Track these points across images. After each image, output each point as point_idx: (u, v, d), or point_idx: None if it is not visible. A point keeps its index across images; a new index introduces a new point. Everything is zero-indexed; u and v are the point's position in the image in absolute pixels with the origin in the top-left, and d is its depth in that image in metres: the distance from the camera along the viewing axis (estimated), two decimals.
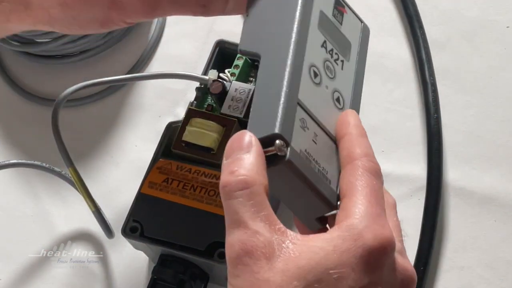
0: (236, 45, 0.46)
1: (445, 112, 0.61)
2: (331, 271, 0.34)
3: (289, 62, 0.37)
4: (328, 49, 0.39)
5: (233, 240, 0.35)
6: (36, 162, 0.59)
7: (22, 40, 0.65)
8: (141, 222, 0.51)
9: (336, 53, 0.40)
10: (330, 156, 0.39)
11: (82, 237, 0.60)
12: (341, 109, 0.40)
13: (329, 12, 0.40)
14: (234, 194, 0.36)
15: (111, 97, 0.66)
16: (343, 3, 0.42)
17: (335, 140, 0.39)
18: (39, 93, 0.66)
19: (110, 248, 0.59)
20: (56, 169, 0.58)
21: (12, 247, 0.60)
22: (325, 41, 0.39)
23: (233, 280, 0.35)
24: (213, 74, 0.55)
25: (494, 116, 0.61)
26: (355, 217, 0.36)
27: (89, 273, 0.58)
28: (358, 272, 0.34)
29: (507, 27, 0.65)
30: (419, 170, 0.59)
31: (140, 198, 0.52)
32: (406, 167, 0.60)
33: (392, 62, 0.64)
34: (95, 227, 0.55)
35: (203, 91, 0.55)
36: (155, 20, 0.68)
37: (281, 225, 0.36)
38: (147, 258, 0.56)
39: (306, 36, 0.38)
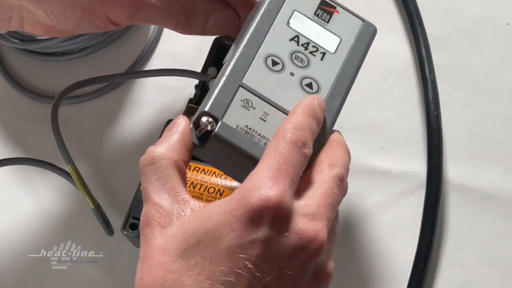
0: None
1: (445, 109, 0.61)
2: (210, 232, 0.35)
3: (236, 55, 0.43)
4: (301, 42, 0.45)
5: (141, 214, 0.38)
6: (36, 159, 0.59)
7: (22, 37, 0.65)
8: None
9: (314, 46, 0.45)
10: None
11: (82, 235, 0.60)
12: (315, 93, 0.44)
13: (309, 12, 0.46)
14: (143, 170, 0.39)
15: (110, 94, 0.65)
16: (333, 4, 0.47)
17: None
18: (39, 90, 0.66)
19: (110, 246, 0.59)
20: (56, 166, 0.58)
21: (12, 246, 0.60)
22: (297, 36, 0.45)
23: (140, 251, 0.38)
24: (212, 71, 0.55)
25: (495, 113, 0.61)
26: (247, 181, 0.37)
27: (89, 272, 0.58)
28: (237, 231, 0.35)
29: (507, 24, 0.65)
30: (419, 167, 0.59)
31: (140, 195, 0.52)
32: (406, 164, 0.60)
33: (392, 59, 0.64)
34: (95, 225, 0.55)
35: (202, 88, 0.55)
36: None
37: (186, 195, 0.38)
38: None
39: (266, 32, 0.44)
